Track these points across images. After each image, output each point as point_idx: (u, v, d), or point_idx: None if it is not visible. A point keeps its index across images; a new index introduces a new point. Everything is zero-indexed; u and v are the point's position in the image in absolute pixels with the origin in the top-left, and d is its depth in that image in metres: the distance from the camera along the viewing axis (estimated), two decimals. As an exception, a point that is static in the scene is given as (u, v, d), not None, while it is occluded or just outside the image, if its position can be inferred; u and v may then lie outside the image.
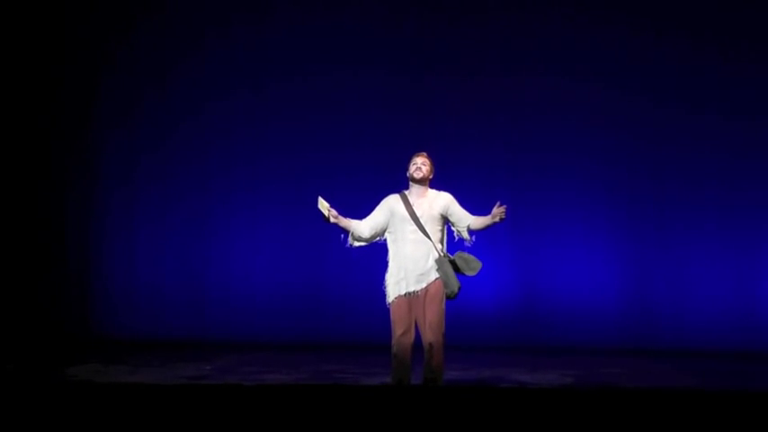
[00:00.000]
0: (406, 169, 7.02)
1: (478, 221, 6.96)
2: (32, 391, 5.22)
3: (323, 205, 6.99)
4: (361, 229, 7.02)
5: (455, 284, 6.80)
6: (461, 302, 7.16)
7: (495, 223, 6.89)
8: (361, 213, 7.17)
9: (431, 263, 6.85)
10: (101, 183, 11.40)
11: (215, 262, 11.19)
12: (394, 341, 6.84)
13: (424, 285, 6.84)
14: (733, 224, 10.58)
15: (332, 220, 6.99)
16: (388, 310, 6.91)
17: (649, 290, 10.69)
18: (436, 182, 7.11)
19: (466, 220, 6.97)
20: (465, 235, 7.00)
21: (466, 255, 6.94)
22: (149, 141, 11.33)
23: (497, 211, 6.84)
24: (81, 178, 11.39)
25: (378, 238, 7.07)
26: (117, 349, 10.28)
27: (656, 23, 10.73)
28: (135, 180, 11.35)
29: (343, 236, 7.10)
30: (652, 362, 9.71)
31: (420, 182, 6.96)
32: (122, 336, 10.92)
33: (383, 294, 6.95)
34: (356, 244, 7.10)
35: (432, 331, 6.79)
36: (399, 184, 7.12)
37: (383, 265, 7.03)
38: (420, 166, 6.97)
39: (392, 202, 7.00)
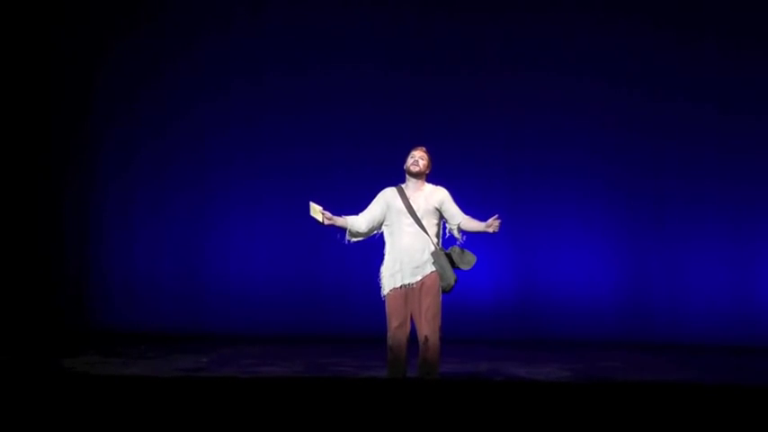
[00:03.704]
0: (404, 162, 7.02)
1: (471, 224, 6.95)
2: (29, 382, 5.22)
3: (315, 210, 6.96)
4: (359, 223, 7.02)
5: (451, 278, 6.81)
6: (458, 296, 7.16)
7: (486, 233, 6.87)
8: (359, 207, 7.16)
9: (426, 256, 6.86)
10: (99, 175, 11.39)
11: (212, 255, 11.19)
12: (389, 334, 6.85)
13: (419, 278, 6.85)
14: (730, 219, 10.59)
15: (326, 222, 6.98)
16: (383, 302, 6.92)
17: (647, 284, 10.70)
18: (434, 177, 7.11)
19: (457, 219, 6.96)
20: (455, 233, 7.00)
21: (461, 249, 6.95)
22: (147, 135, 11.32)
23: (493, 223, 6.81)
24: (79, 171, 11.38)
25: (375, 232, 7.07)
26: (114, 341, 10.28)
27: (655, 20, 10.71)
28: (133, 173, 11.34)
29: (339, 234, 7.09)
30: (649, 355, 9.72)
31: (416, 175, 6.96)
32: (119, 328, 10.92)
33: (379, 287, 6.95)
34: (354, 239, 7.10)
35: (427, 324, 6.80)
36: (397, 178, 7.12)
37: (380, 257, 7.04)
38: (417, 159, 6.97)
39: (389, 196, 7.00)
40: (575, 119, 10.76)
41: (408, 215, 6.89)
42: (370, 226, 7.02)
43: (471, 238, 7.00)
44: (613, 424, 4.56)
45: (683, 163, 10.66)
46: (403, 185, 7.02)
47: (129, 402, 4.75)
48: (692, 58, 10.65)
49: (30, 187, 11.30)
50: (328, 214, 6.97)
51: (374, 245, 7.15)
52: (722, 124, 10.60)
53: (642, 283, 10.71)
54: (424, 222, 6.88)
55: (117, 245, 11.33)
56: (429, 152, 7.05)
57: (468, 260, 6.92)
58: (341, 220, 7.03)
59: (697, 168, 10.65)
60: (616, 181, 10.75)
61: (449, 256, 6.89)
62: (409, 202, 6.90)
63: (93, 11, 11.33)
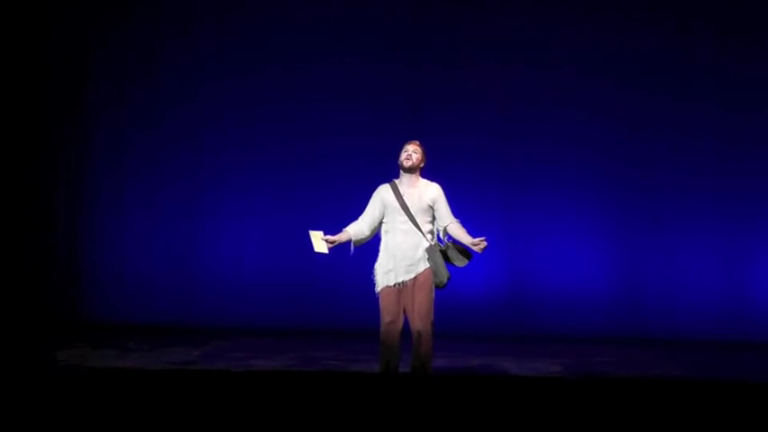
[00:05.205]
0: (398, 156, 7.01)
1: (458, 232, 6.93)
2: (20, 375, 5.21)
3: (316, 239, 6.92)
4: (361, 229, 6.99)
5: (444, 275, 6.81)
6: (450, 291, 7.16)
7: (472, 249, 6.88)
8: (354, 201, 7.16)
9: (420, 253, 6.85)
10: (91, 168, 11.34)
11: (205, 248, 11.17)
12: (382, 329, 6.85)
13: (413, 275, 6.84)
14: (723, 214, 10.60)
15: (331, 246, 6.96)
16: (376, 297, 6.92)
17: (638, 279, 10.71)
18: (428, 171, 7.10)
19: (446, 221, 6.95)
20: (441, 234, 7.00)
21: (457, 245, 6.95)
22: (140, 127, 11.27)
23: (480, 243, 6.79)
24: (71, 163, 11.33)
25: (377, 231, 7.06)
26: (105, 334, 10.26)
27: (648, 13, 10.70)
28: (125, 165, 11.30)
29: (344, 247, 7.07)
30: (640, 351, 9.73)
31: (410, 170, 6.95)
32: (111, 320, 10.90)
33: (373, 282, 6.96)
34: (358, 245, 7.08)
35: (420, 319, 6.80)
36: (391, 172, 7.11)
37: (373, 251, 7.04)
38: (411, 154, 6.96)
39: (383, 193, 6.99)
40: (569, 113, 10.75)
41: (402, 212, 6.88)
42: (372, 227, 7.01)
43: (466, 228, 6.99)
44: (604, 419, 4.57)
45: (677, 158, 10.66)
46: (396, 181, 7.01)
47: (121, 395, 4.75)
48: (687, 52, 10.64)
49: (21, 179, 11.25)
50: (330, 238, 6.95)
51: (367, 238, 7.16)
52: (717, 119, 10.60)
53: (635, 278, 10.72)
54: (417, 219, 6.88)
55: (109, 237, 11.29)
56: (423, 146, 7.04)
57: (462, 257, 6.92)
58: (344, 236, 7.00)
59: (690, 163, 10.65)
60: (609, 176, 10.74)
61: (443, 253, 6.89)
62: (403, 200, 6.89)
63: (86, 1, 11.28)
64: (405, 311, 6.89)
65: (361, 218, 7.04)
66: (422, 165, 7.01)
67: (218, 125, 11.18)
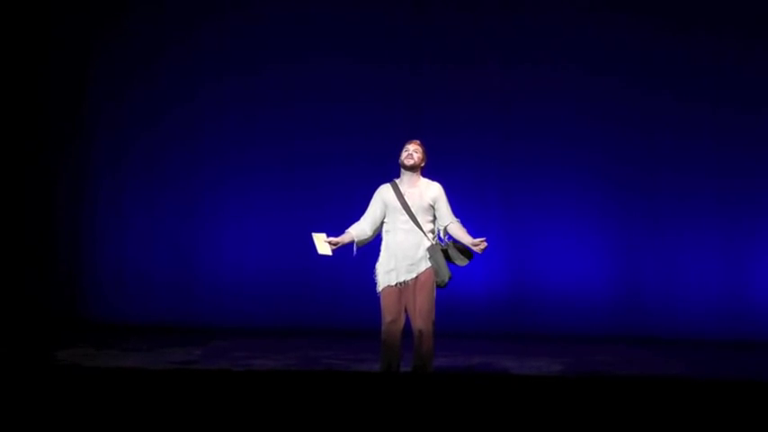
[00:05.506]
0: (398, 156, 7.01)
1: (458, 233, 6.92)
2: (20, 375, 5.21)
3: (319, 241, 6.93)
4: (363, 230, 6.99)
5: (446, 274, 6.81)
6: (451, 290, 7.16)
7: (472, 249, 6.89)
8: (354, 201, 7.16)
9: (422, 252, 6.85)
10: (91, 167, 11.34)
11: (205, 247, 11.17)
12: (383, 328, 6.85)
13: (414, 275, 6.84)
14: (723, 213, 10.60)
15: (334, 248, 6.97)
16: (378, 296, 6.92)
17: (639, 278, 10.71)
18: (429, 170, 7.10)
19: (446, 220, 6.95)
20: (441, 234, 6.99)
21: (457, 245, 6.94)
22: (140, 127, 11.27)
23: (480, 244, 6.80)
24: (71, 163, 11.33)
25: (380, 231, 7.06)
26: (106, 334, 10.26)
27: (647, 11, 10.70)
28: (125, 165, 11.30)
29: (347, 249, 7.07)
30: (640, 350, 9.73)
31: (411, 169, 6.95)
32: (111, 320, 10.90)
33: (374, 281, 6.96)
34: (361, 245, 7.08)
35: (422, 318, 6.80)
36: (391, 172, 7.11)
37: (374, 251, 7.04)
38: (412, 153, 6.96)
39: (384, 193, 6.99)
40: (569, 113, 10.75)
41: (403, 212, 6.88)
42: (374, 227, 7.02)
43: (466, 228, 7.00)
44: (605, 418, 4.57)
45: (678, 157, 10.66)
46: (397, 180, 7.01)
47: (122, 395, 4.75)
48: (687, 52, 10.65)
49: (21, 180, 11.24)
50: (333, 240, 6.95)
51: (367, 236, 7.16)
52: (716, 119, 10.61)
53: (635, 277, 10.72)
54: (418, 218, 6.87)
55: (109, 237, 11.28)
56: (423, 145, 7.04)
57: (463, 257, 6.92)
58: (346, 237, 7.00)
59: (691, 162, 10.65)
60: (609, 175, 10.75)
61: (445, 252, 6.89)
62: (404, 199, 6.89)
63: (86, 1, 11.28)
64: (406, 311, 6.89)
65: (362, 218, 7.04)
66: (423, 164, 7.01)
67: (218, 125, 11.18)
